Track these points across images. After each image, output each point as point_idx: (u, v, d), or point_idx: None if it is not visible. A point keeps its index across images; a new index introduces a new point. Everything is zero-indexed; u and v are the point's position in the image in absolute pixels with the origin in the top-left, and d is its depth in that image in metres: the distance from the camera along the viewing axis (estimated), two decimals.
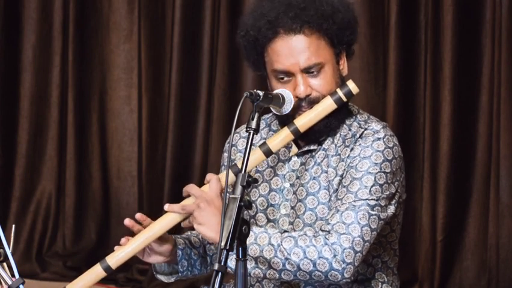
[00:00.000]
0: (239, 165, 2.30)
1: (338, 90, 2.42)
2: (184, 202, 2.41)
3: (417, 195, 4.21)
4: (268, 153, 2.42)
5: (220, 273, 1.98)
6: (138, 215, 2.47)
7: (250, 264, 2.33)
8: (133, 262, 4.60)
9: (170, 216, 2.41)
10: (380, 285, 2.52)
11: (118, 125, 4.87)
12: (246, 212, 2.51)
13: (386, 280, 2.53)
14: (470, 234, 4.17)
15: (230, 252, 2.00)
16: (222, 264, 1.98)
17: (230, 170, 2.39)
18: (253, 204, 2.53)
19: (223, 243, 2.00)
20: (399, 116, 4.21)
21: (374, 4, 4.26)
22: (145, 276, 4.64)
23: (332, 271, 2.29)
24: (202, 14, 4.63)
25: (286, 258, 2.31)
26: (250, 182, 2.10)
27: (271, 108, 2.42)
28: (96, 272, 2.42)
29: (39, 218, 4.96)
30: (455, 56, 4.10)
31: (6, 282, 1.93)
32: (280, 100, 2.37)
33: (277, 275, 2.34)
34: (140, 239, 2.42)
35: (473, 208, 4.16)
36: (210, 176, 2.41)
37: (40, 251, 4.92)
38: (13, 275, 1.93)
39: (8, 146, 4.96)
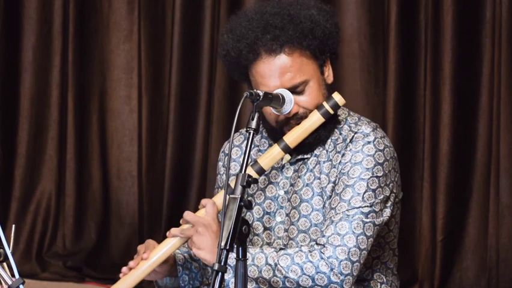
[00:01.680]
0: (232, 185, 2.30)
1: (325, 103, 2.42)
2: (182, 227, 2.42)
3: (417, 195, 4.21)
4: (260, 172, 2.43)
5: (220, 273, 1.98)
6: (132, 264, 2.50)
7: (251, 285, 2.36)
8: None
9: (171, 242, 2.44)
10: (379, 286, 2.52)
11: (118, 125, 4.87)
12: None
13: (385, 281, 2.53)
14: (470, 234, 4.17)
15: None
16: (222, 264, 1.99)
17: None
18: (253, 204, 2.54)
19: (223, 243, 2.00)
20: (399, 116, 4.21)
21: (374, 4, 4.26)
22: None
23: (331, 284, 2.31)
24: (202, 14, 4.63)
25: (285, 277, 2.32)
26: (251, 182, 2.10)
27: (271, 108, 2.42)
28: None
29: (39, 218, 4.95)
30: (455, 56, 4.10)
31: (6, 282, 1.93)
32: (280, 100, 2.37)
33: None
34: (143, 268, 2.45)
35: (473, 208, 4.16)
36: (204, 201, 2.43)
37: (40, 251, 4.92)
38: (13, 275, 1.93)
39: (8, 146, 4.95)
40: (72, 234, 4.92)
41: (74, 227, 4.92)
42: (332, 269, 2.29)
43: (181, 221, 2.44)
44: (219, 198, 2.43)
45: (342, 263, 2.30)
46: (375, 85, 4.30)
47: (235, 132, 2.60)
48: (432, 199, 4.16)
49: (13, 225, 2.14)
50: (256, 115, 2.22)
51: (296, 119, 2.42)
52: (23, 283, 1.92)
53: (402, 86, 4.21)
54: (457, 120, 4.12)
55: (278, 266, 2.32)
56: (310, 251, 2.32)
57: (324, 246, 2.32)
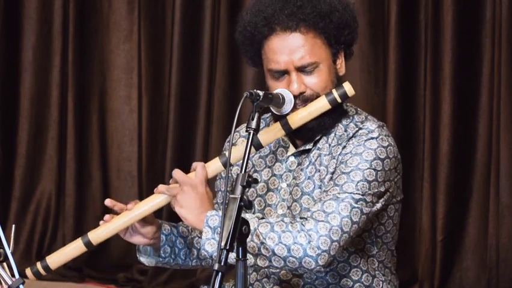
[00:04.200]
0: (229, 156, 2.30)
1: (334, 91, 2.42)
2: (170, 185, 2.42)
3: (417, 195, 4.21)
4: (258, 146, 2.43)
5: (220, 273, 1.98)
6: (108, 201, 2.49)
7: None
8: (133, 262, 4.59)
9: (157, 199, 2.42)
10: (381, 285, 2.51)
11: (118, 125, 4.87)
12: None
13: (384, 279, 2.53)
14: (470, 234, 4.17)
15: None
16: (222, 264, 1.99)
17: (218, 160, 2.41)
18: (253, 204, 2.53)
19: (223, 243, 2.00)
20: (399, 116, 4.21)
21: (374, 4, 4.26)
22: (145, 276, 4.64)
23: (306, 257, 2.28)
24: (202, 14, 4.63)
25: (262, 243, 2.30)
26: (251, 182, 2.10)
27: (271, 108, 2.42)
28: (77, 246, 2.46)
29: (39, 218, 4.95)
30: (455, 56, 4.10)
31: (6, 282, 1.93)
32: (280, 100, 2.37)
33: (253, 260, 2.32)
34: (125, 218, 2.43)
35: (473, 208, 4.16)
36: (195, 164, 2.42)
37: (40, 251, 4.92)
38: (13, 275, 1.93)
39: (8, 146, 4.96)
40: (72, 234, 4.92)
41: (74, 227, 4.92)
42: (309, 242, 2.27)
43: (170, 181, 2.42)
44: (211, 164, 2.43)
45: (321, 238, 2.27)
46: (375, 85, 4.30)
47: (238, 125, 2.61)
48: (432, 199, 4.16)
49: (13, 225, 2.14)
50: (256, 115, 2.22)
51: (302, 100, 2.42)
52: (23, 283, 1.92)
53: (402, 86, 4.21)
54: (457, 120, 4.13)
55: (257, 231, 2.30)
56: (291, 222, 2.31)
57: (306, 219, 2.31)
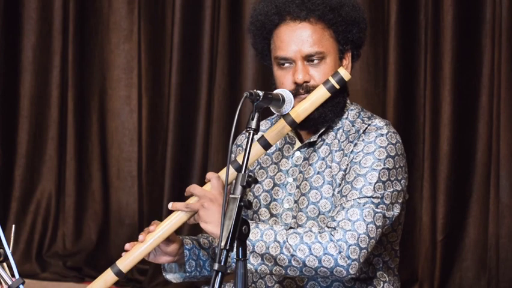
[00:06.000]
0: (239, 161, 2.31)
1: (330, 78, 2.44)
2: (188, 201, 2.42)
3: (417, 195, 4.21)
4: (266, 146, 2.44)
5: (220, 273, 1.98)
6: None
7: (256, 261, 2.35)
8: None
9: (177, 217, 2.42)
10: (382, 285, 2.52)
11: (118, 125, 4.87)
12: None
13: (387, 280, 2.53)
14: (470, 234, 4.17)
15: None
16: (222, 264, 1.99)
17: (231, 166, 2.41)
18: (253, 203, 2.54)
19: (223, 243, 2.00)
20: (399, 116, 4.21)
21: (374, 4, 4.27)
22: (145, 276, 4.64)
23: (337, 267, 2.31)
24: (202, 14, 4.63)
25: (292, 255, 2.32)
26: (251, 182, 2.11)
27: (271, 108, 2.43)
28: (108, 277, 2.43)
29: (39, 218, 4.96)
30: (455, 56, 4.10)
31: (6, 282, 1.93)
32: (280, 100, 2.38)
33: (283, 271, 2.35)
34: (149, 241, 2.43)
35: (473, 208, 4.16)
36: (210, 175, 2.43)
37: (40, 251, 4.92)
38: (13, 275, 1.93)
39: (8, 146, 4.96)
40: (72, 234, 4.92)
41: (74, 227, 4.92)
42: (340, 252, 2.31)
43: (185, 193, 2.43)
44: (224, 172, 2.43)
45: (350, 247, 2.31)
46: (375, 85, 4.30)
47: (238, 125, 2.62)
48: (432, 199, 4.16)
49: (13, 225, 2.15)
50: (256, 115, 2.22)
51: (306, 90, 2.44)
52: (23, 283, 1.92)
53: (402, 86, 4.21)
54: (457, 120, 4.13)
55: (287, 243, 2.33)
56: (320, 232, 2.34)
57: (335, 229, 2.34)
